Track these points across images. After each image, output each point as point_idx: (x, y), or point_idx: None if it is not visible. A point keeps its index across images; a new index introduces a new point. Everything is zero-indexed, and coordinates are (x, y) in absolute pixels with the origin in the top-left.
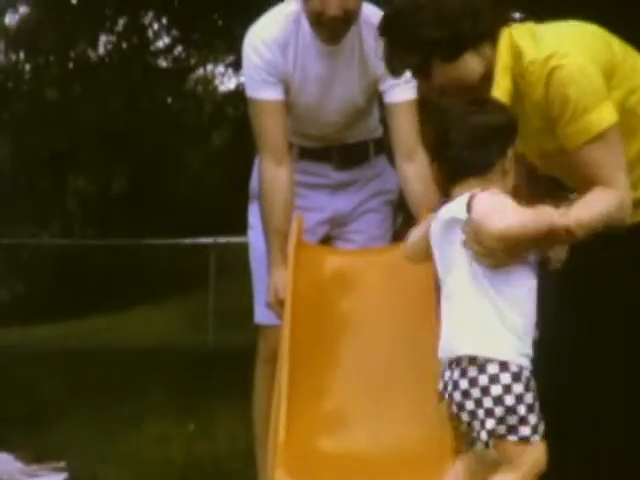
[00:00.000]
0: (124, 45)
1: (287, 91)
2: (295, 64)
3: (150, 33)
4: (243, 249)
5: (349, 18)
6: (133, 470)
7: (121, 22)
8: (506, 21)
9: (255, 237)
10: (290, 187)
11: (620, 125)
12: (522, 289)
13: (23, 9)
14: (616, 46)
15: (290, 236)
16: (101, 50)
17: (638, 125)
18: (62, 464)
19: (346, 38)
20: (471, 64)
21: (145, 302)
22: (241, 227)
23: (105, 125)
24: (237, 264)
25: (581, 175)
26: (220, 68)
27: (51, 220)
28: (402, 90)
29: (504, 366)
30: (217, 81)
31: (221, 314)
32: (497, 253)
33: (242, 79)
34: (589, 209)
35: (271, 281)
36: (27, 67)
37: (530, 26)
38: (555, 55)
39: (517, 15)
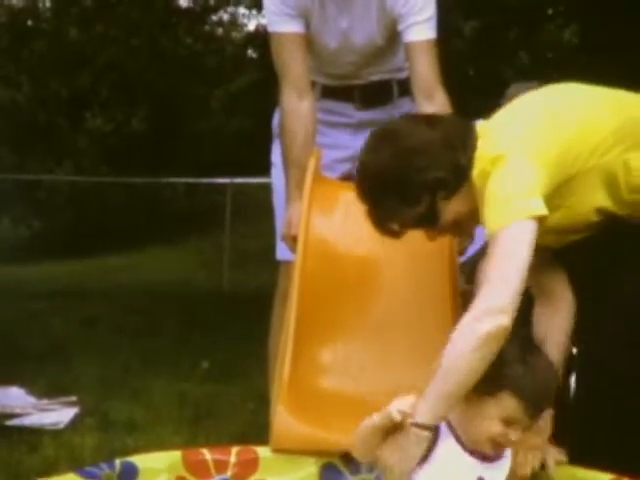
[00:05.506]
0: None
1: (307, 26)
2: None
3: None
4: (260, 190)
5: None
6: (145, 407)
7: None
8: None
9: (277, 175)
10: (312, 120)
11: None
12: None
13: None
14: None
15: (307, 170)
16: None
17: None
18: (73, 399)
19: None
20: (469, 191)
21: (161, 241)
22: (259, 168)
23: (125, 64)
24: (253, 205)
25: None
26: (241, 9)
27: (69, 157)
28: (421, 29)
29: None
30: (238, 22)
31: (236, 254)
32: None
33: (263, 20)
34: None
35: (287, 215)
36: (47, 6)
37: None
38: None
39: None
